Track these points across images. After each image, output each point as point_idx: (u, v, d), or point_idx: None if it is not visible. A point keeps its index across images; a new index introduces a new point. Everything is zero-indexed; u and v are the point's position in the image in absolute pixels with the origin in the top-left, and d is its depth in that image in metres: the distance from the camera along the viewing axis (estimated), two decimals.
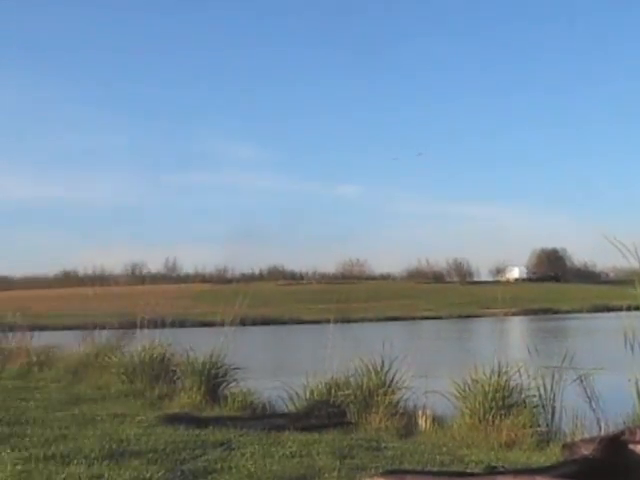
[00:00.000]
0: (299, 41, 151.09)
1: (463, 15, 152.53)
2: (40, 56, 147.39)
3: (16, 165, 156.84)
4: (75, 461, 8.18)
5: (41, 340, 20.31)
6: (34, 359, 18.35)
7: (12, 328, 21.54)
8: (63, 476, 7.55)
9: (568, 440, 9.57)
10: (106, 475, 7.60)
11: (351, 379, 12.64)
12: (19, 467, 7.95)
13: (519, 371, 11.80)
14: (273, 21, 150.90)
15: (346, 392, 12.32)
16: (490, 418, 11.16)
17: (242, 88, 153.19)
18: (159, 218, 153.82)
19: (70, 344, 18.68)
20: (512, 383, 11.64)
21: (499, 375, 11.63)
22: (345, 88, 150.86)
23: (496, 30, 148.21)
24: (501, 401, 11.35)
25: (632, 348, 10.70)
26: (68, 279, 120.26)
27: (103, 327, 18.82)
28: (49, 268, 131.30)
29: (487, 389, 11.45)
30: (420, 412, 11.89)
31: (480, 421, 11.22)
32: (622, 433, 5.42)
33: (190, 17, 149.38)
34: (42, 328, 24.30)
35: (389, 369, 12.50)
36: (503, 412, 11.20)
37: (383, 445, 9.93)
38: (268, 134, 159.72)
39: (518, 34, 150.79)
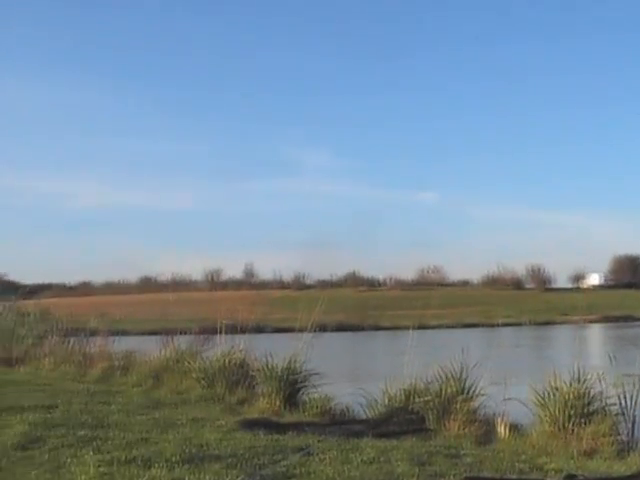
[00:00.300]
0: (379, 50, 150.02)
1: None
2: (121, 61, 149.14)
3: (96, 172, 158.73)
4: (156, 465, 8.30)
5: (122, 345, 20.56)
6: (116, 364, 18.61)
7: (94, 333, 21.87)
8: (144, 479, 7.67)
9: None
10: (186, 479, 7.71)
11: (430, 386, 12.58)
12: (102, 469, 8.11)
13: (599, 379, 11.65)
14: (352, 29, 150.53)
15: (425, 399, 12.26)
16: (570, 426, 11.03)
17: (321, 95, 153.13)
18: (237, 225, 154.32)
19: (150, 349, 18.86)
20: (592, 391, 11.50)
21: (579, 383, 11.50)
22: (424, 95, 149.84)
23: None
24: (581, 409, 11.21)
25: None
26: (148, 285, 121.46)
27: (183, 332, 19.00)
28: (129, 274, 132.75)
29: (567, 397, 11.32)
30: (499, 419, 11.78)
31: (560, 429, 11.10)
32: None
33: (267, 23, 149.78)
34: (123, 333, 24.59)
35: (468, 376, 12.43)
36: (583, 420, 11.06)
37: (462, 452, 9.88)
38: (346, 141, 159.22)
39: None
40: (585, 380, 11.51)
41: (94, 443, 9.58)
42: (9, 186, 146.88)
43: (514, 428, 11.68)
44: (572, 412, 11.15)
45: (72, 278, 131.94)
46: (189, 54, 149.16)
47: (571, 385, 11.43)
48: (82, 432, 10.30)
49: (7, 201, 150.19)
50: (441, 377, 12.50)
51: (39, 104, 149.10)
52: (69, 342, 21.67)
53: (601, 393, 11.54)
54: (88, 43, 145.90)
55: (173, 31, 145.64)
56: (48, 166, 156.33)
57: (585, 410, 11.22)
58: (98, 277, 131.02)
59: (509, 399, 12.02)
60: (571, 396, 11.29)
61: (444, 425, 11.73)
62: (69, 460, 8.57)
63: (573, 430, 10.92)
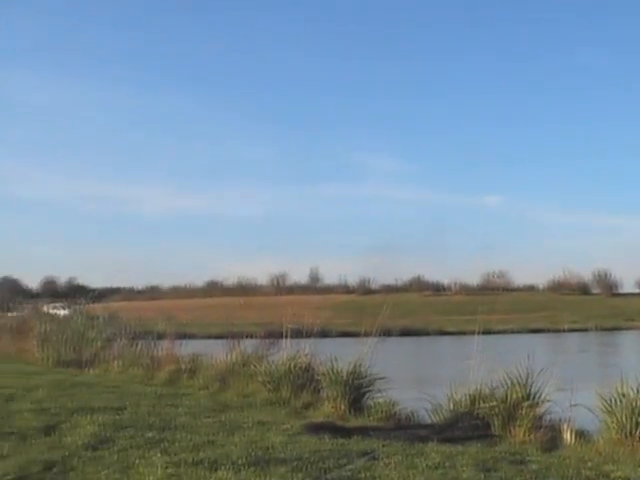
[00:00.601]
0: (446, 52, 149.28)
1: None
2: (196, 66, 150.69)
3: (163, 177, 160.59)
4: (222, 467, 8.40)
5: (188, 348, 20.74)
6: (182, 367, 18.80)
7: (161, 336, 22.12)
8: None
9: None
10: None
11: (495, 391, 12.52)
12: (169, 470, 8.23)
13: None
14: (419, 32, 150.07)
15: (490, 404, 12.20)
16: (637, 433, 10.89)
17: (385, 100, 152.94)
18: (303, 229, 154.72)
19: (217, 352, 19.01)
20: None
21: None
22: (490, 100, 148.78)
23: None
24: None
25: None
26: (214, 289, 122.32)
27: (249, 336, 19.12)
28: (196, 278, 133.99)
29: (635, 404, 11.18)
30: (565, 426, 11.68)
31: (626, 436, 10.97)
32: None
33: (339, 29, 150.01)
34: (189, 337, 24.83)
35: (533, 382, 12.35)
36: None
37: (527, 459, 9.83)
38: (411, 145, 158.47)
39: None
40: None
41: (162, 445, 9.72)
42: (78, 192, 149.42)
43: (580, 435, 11.55)
44: (639, 419, 11.03)
45: (140, 282, 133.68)
46: (258, 60, 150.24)
47: (638, 392, 11.29)
48: (150, 434, 10.46)
49: (76, 207, 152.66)
50: (506, 383, 12.42)
51: (107, 109, 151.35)
52: (137, 345, 21.94)
53: None
54: (169, 48, 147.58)
55: (242, 38, 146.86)
56: (117, 172, 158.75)
57: None
58: (165, 281, 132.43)
59: (575, 405, 11.90)
60: (638, 403, 11.15)
61: (509, 431, 11.67)
62: (137, 461, 8.72)
63: None
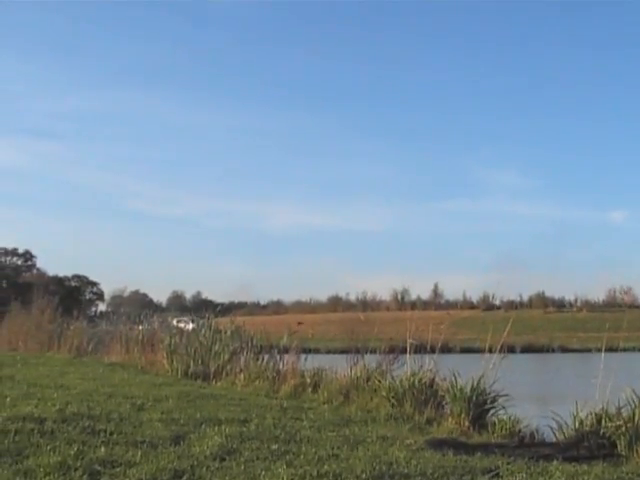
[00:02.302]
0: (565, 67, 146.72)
1: None
2: (308, 94, 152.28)
3: (289, 195, 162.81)
4: None
5: (312, 363, 20.90)
6: (306, 380, 18.97)
7: (285, 350, 22.34)
8: None
9: None
10: None
11: (622, 410, 12.29)
12: None
13: None
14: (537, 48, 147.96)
15: (616, 423, 11.99)
16: None
17: (504, 115, 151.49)
18: (426, 245, 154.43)
19: (340, 367, 19.13)
20: None
21: None
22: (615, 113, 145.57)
23: None
24: None
25: None
26: (337, 304, 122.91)
27: (372, 351, 19.18)
28: (319, 293, 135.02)
29: None
30: None
31: None
32: None
33: (463, 45, 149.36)
34: (313, 351, 25.03)
35: None
36: None
37: None
38: (534, 161, 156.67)
39: None
40: None
41: (286, 457, 9.87)
42: (206, 209, 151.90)
43: None
44: None
45: (265, 297, 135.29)
46: (379, 77, 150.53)
47: None
48: (275, 446, 10.60)
49: (204, 223, 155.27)
50: (633, 402, 12.19)
51: (231, 128, 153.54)
52: (262, 359, 22.23)
53: None
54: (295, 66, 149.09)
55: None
56: (239, 190, 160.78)
57: None
58: (289, 296, 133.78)
59: None
60: None
61: (636, 451, 11.43)
62: (263, 473, 8.86)
63: None
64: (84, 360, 29.48)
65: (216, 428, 11.87)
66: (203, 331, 25.70)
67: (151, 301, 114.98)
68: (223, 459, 9.62)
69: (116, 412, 13.30)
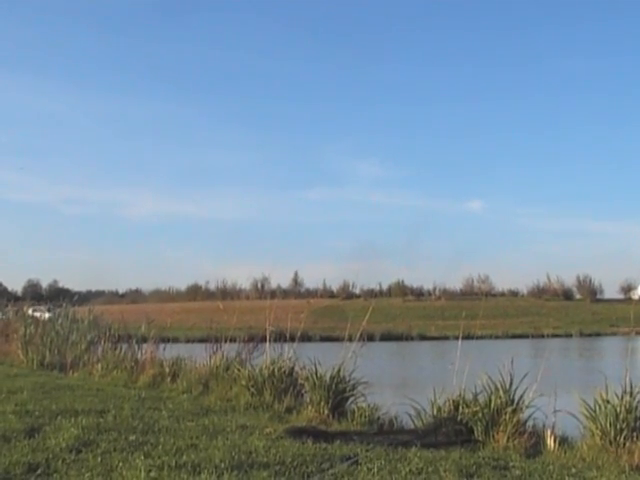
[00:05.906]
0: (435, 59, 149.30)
1: None
2: (178, 72, 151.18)
3: (150, 184, 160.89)
4: (205, 470, 8.44)
5: (171, 352, 20.72)
6: (165, 370, 18.77)
7: (144, 340, 22.06)
8: None
9: None
10: None
11: (478, 396, 12.53)
12: (152, 474, 8.26)
13: None
14: (406, 36, 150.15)
15: (473, 409, 12.21)
16: (621, 440, 10.91)
17: (366, 104, 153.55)
18: (286, 234, 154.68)
19: (199, 356, 19.00)
20: None
21: (630, 396, 11.38)
22: (473, 105, 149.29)
23: None
24: (632, 423, 11.09)
25: None
26: (196, 293, 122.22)
27: (231, 340, 19.09)
28: (178, 282, 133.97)
29: (618, 410, 11.20)
30: (548, 431, 11.67)
31: (610, 443, 10.99)
32: None
33: (315, 35, 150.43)
34: (171, 340, 24.77)
35: (516, 387, 12.37)
36: (635, 434, 10.94)
37: (510, 464, 9.88)
38: (393, 151, 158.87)
39: None
40: (638, 393, 11.40)
41: (144, 448, 9.75)
42: (62, 196, 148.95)
43: (563, 441, 11.56)
44: (623, 425, 11.03)
45: (123, 286, 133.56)
46: (242, 65, 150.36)
47: (622, 398, 11.31)
48: (133, 437, 10.48)
49: (60, 210, 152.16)
50: (489, 388, 12.44)
51: (93, 116, 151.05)
52: (120, 348, 21.91)
53: None
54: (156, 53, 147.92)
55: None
56: (104, 176, 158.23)
57: (637, 424, 11.10)
58: (147, 285, 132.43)
59: (558, 411, 11.92)
60: (622, 409, 11.16)
61: (492, 437, 11.68)
62: (120, 464, 8.74)
63: (624, 444, 10.78)
64: None
65: (72, 420, 11.65)
66: (60, 321, 25.22)
67: (5, 290, 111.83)
68: (79, 451, 9.44)
69: None
